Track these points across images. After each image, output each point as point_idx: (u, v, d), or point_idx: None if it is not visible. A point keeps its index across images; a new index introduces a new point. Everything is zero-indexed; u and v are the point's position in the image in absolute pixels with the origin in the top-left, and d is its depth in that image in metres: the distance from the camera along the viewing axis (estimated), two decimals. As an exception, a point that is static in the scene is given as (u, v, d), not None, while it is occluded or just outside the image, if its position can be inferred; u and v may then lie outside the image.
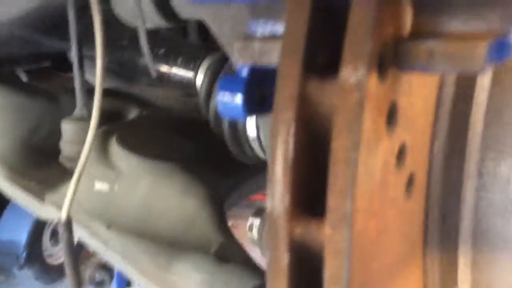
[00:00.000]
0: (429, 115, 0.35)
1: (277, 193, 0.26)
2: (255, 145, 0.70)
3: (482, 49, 0.23)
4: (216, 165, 0.77)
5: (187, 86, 0.81)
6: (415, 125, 0.31)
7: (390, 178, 0.28)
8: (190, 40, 0.94)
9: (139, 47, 0.90)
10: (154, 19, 0.71)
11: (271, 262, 0.26)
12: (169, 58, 0.82)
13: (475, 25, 0.24)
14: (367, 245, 0.26)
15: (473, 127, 0.36)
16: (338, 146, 0.24)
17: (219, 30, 0.64)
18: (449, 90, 0.36)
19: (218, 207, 0.68)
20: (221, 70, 0.72)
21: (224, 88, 0.33)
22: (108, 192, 0.74)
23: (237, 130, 0.69)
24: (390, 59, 0.25)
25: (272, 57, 0.31)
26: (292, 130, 0.25)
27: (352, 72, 0.23)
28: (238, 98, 0.32)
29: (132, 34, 0.89)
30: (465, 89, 0.36)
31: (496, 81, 0.34)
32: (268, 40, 0.31)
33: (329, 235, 0.24)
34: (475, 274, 0.37)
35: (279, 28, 0.31)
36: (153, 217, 0.70)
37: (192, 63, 0.80)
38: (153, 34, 0.71)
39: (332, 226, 0.24)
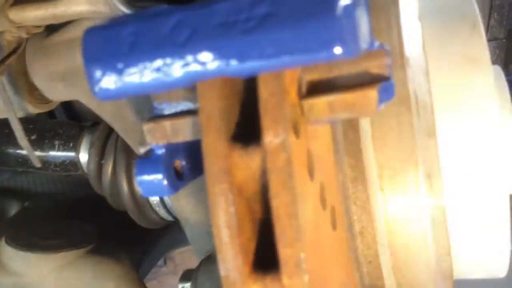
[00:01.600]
0: (330, 150, 0.39)
1: (229, 258, 0.28)
2: (159, 209, 0.70)
3: (374, 95, 0.27)
4: (121, 238, 0.75)
5: (70, 167, 0.78)
6: (324, 164, 0.35)
7: (319, 218, 0.31)
8: (58, 119, 0.91)
9: (2, 134, 0.85)
10: (22, 108, 0.69)
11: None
12: (44, 142, 0.78)
13: (356, 77, 0.28)
14: (318, 283, 0.28)
15: (365, 151, 0.41)
16: (279, 203, 0.26)
17: (100, 108, 0.63)
18: (338, 125, 0.41)
19: (136, 282, 0.67)
20: (106, 145, 0.72)
21: (144, 172, 0.34)
22: (9, 300, 0.68)
23: (138, 199, 0.68)
24: (299, 116, 0.28)
25: (185, 134, 0.33)
26: (230, 199, 0.27)
27: (275, 136, 0.26)
28: (161, 179, 0.33)
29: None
30: (350, 120, 0.41)
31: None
32: (177, 118, 0.33)
33: (287, 285, 0.27)
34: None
35: (185, 106, 0.33)
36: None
37: (70, 142, 0.78)
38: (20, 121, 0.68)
39: (289, 275, 0.26)
